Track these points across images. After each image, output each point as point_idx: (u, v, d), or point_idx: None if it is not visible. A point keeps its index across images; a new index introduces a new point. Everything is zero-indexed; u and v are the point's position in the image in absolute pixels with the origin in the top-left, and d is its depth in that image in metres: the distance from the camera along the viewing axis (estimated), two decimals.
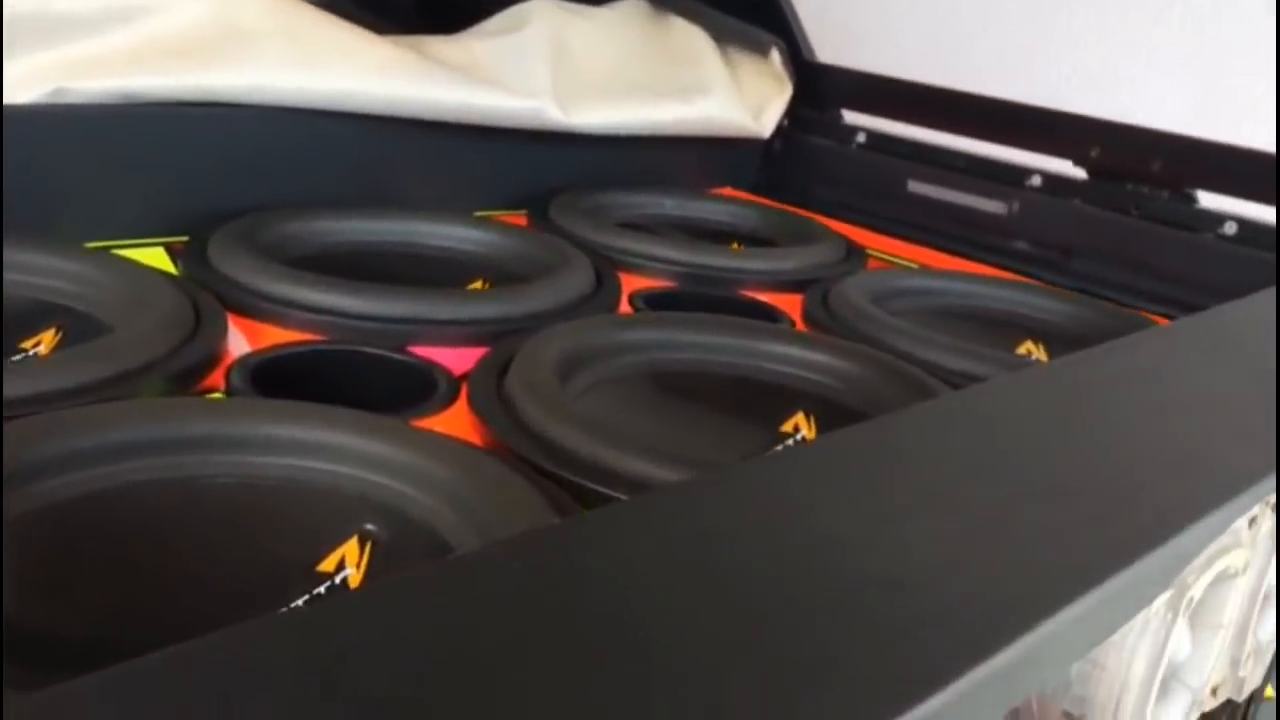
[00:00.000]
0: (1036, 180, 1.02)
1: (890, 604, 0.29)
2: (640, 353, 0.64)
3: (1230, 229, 0.92)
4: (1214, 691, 0.45)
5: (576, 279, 0.73)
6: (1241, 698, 0.48)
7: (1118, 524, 0.35)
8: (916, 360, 0.67)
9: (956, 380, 0.64)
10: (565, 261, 0.75)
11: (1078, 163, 1.00)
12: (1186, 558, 0.36)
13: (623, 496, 0.47)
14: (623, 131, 0.99)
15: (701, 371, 0.64)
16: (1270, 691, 0.54)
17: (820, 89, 1.16)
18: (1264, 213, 0.91)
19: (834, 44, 1.19)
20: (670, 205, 1.01)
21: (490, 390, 0.56)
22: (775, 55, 1.14)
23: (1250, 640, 0.46)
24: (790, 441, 0.60)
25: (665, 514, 0.31)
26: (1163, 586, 0.36)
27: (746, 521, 0.32)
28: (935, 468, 0.37)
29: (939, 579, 0.30)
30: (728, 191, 1.15)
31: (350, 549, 0.45)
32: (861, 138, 1.14)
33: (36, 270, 0.62)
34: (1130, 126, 0.96)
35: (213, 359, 0.56)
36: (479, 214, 0.92)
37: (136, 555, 0.42)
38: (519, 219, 0.93)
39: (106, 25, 0.72)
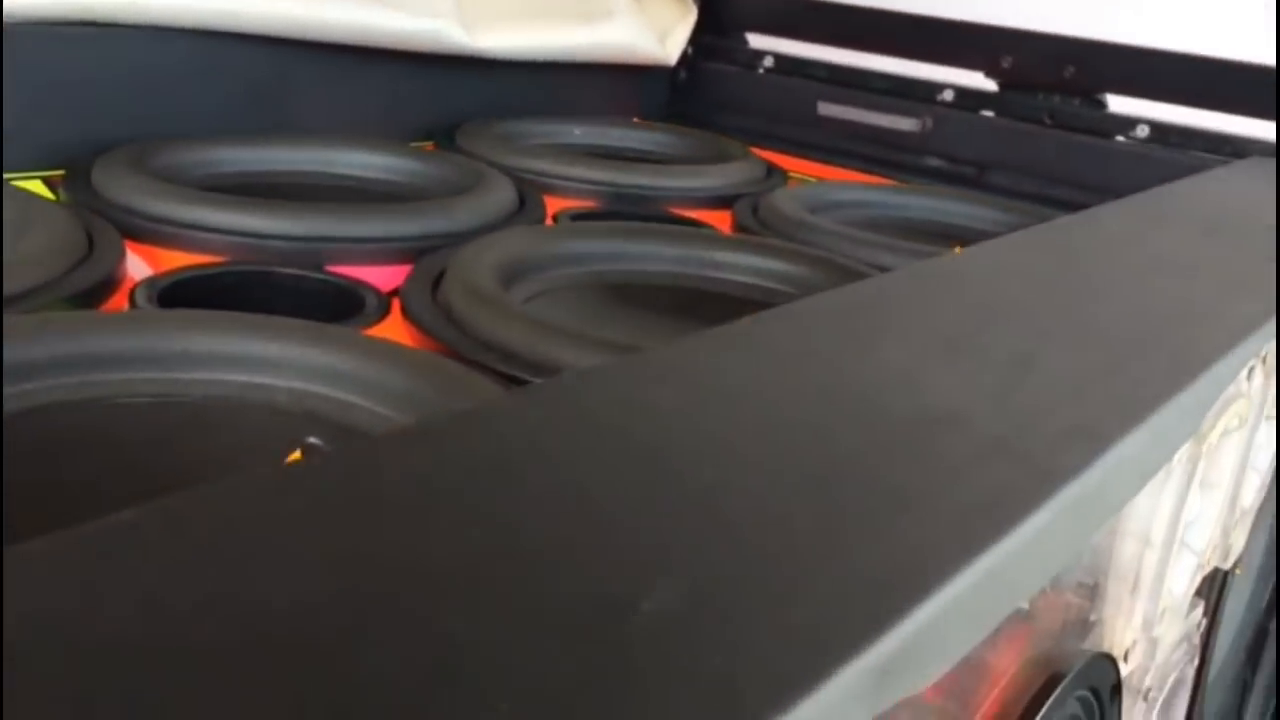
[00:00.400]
0: (948, 95, 1.01)
1: (948, 440, 0.26)
2: (580, 263, 0.60)
3: (1142, 132, 0.92)
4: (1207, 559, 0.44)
5: (500, 197, 0.69)
6: (1227, 565, 0.47)
7: (1142, 367, 0.33)
8: (862, 263, 0.64)
9: None
10: (485, 182, 0.70)
11: (989, 74, 1.00)
12: (1207, 403, 0.35)
13: None
14: (527, 56, 0.94)
15: (645, 281, 0.61)
16: (1240, 569, 0.54)
17: (724, 12, 1.13)
18: (1173, 114, 0.92)
19: None
20: (580, 133, 0.97)
21: (427, 300, 0.52)
22: None
23: (1237, 505, 0.45)
24: None
25: (693, 366, 0.28)
26: (1190, 432, 0.34)
27: (775, 371, 0.28)
28: (946, 319, 0.34)
29: (987, 416, 0.27)
30: (637, 123, 1.12)
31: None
32: (769, 61, 1.11)
33: None
34: (1041, 34, 0.96)
35: (112, 281, 0.51)
36: None
37: (49, 489, 0.37)
38: (426, 149, 0.88)
39: None
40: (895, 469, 0.23)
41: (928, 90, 1.02)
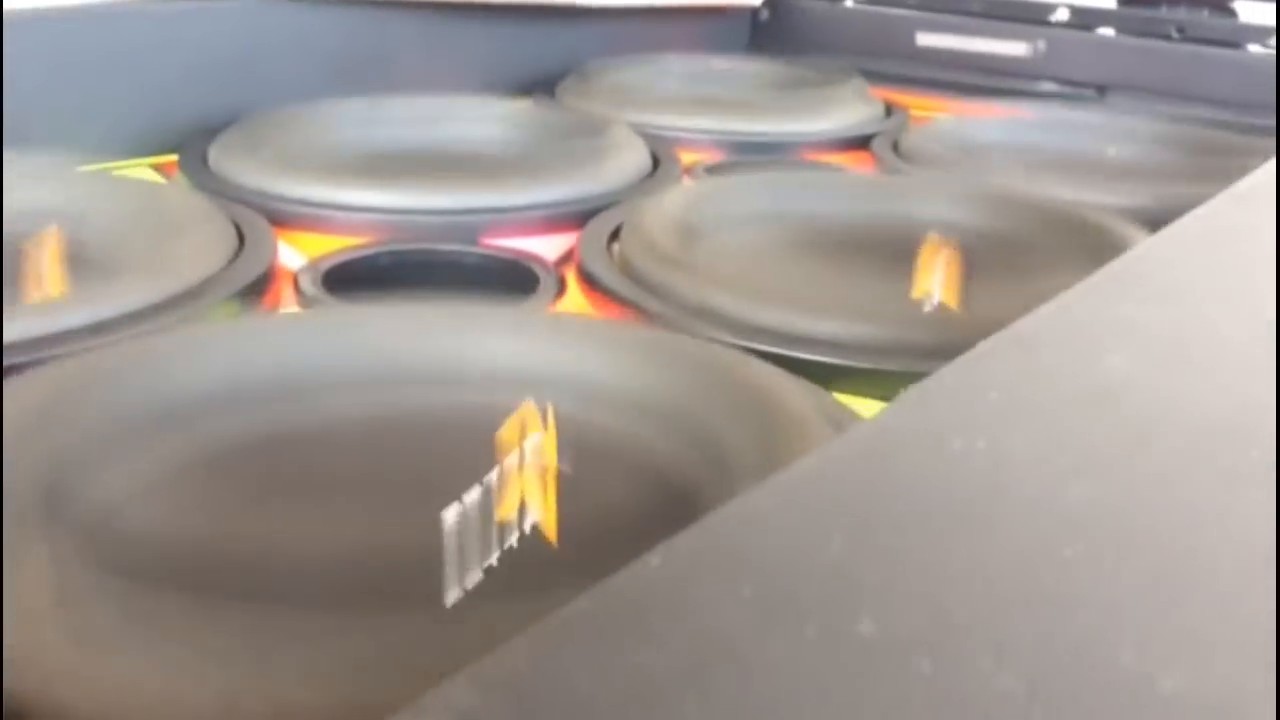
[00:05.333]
0: (1063, 14, 0.95)
1: None
2: (760, 215, 0.55)
3: None
4: None
5: (637, 156, 0.64)
6: None
7: None
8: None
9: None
10: (618, 140, 0.65)
11: None
12: None
13: (838, 362, 0.39)
14: (620, 4, 0.89)
15: (828, 227, 0.56)
16: None
17: None
18: None
19: None
20: (680, 74, 0.92)
21: (614, 272, 0.47)
22: None
23: None
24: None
25: (1110, 318, 0.23)
26: None
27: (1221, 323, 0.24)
28: None
29: None
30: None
31: (527, 485, 0.35)
32: None
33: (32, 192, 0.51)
34: None
35: (272, 269, 0.46)
36: None
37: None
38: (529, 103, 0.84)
39: None
40: None
41: (1038, 11, 0.97)
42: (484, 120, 0.70)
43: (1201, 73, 0.89)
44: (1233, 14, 0.89)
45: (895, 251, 0.54)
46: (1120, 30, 0.93)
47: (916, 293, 0.48)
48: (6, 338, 0.36)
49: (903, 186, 0.59)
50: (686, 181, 0.62)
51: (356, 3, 0.73)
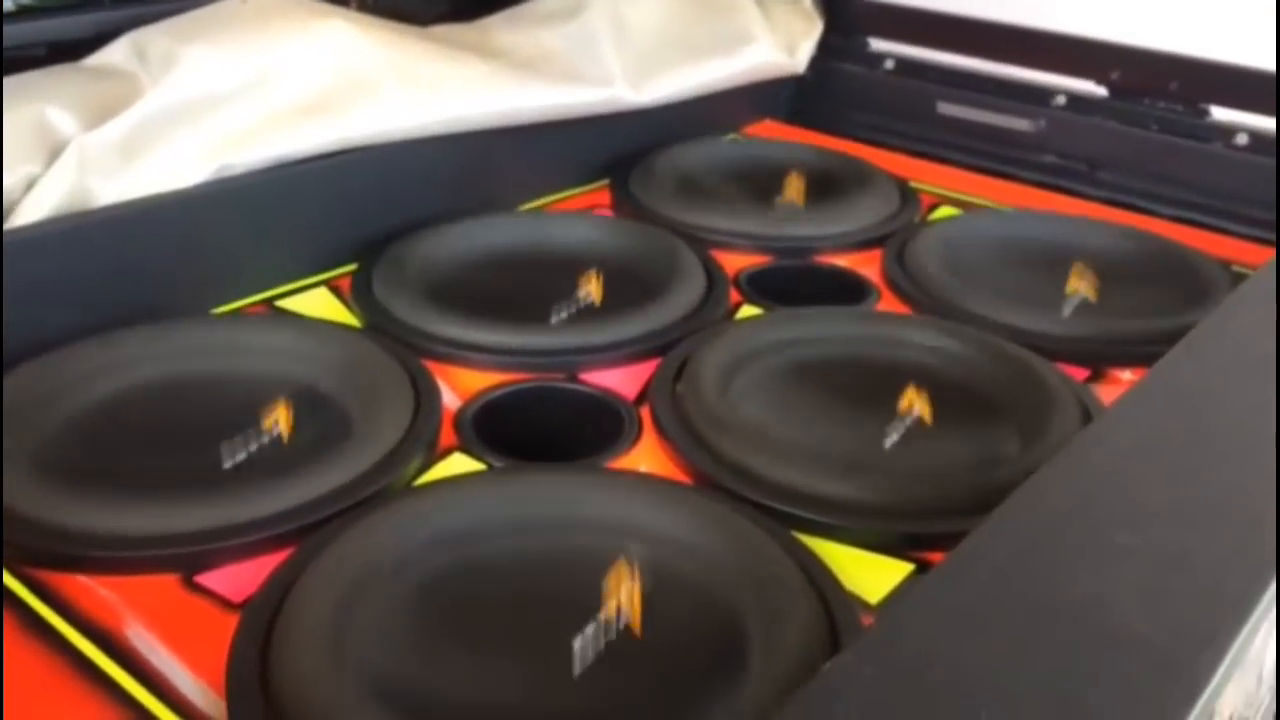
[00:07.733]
0: (1061, 99, 1.12)
1: None
2: (779, 352, 0.75)
3: (1241, 140, 1.03)
4: None
5: (695, 280, 0.83)
6: None
7: None
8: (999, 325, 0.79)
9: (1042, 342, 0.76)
10: (683, 264, 0.84)
11: (1099, 83, 1.10)
12: None
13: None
14: (682, 97, 1.07)
15: (831, 360, 0.76)
16: None
17: (848, 18, 1.23)
18: (1271, 124, 1.02)
19: None
20: (726, 152, 1.11)
21: (677, 425, 0.67)
22: None
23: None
24: (909, 420, 0.71)
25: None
26: None
27: None
28: None
29: None
30: (768, 124, 1.24)
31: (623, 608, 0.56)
32: (890, 64, 1.22)
33: (259, 348, 0.72)
34: (1148, 50, 1.05)
35: (441, 419, 0.67)
36: (569, 192, 1.04)
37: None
38: (603, 191, 1.03)
39: (251, 96, 0.79)
40: None
41: (1041, 94, 1.13)
42: (573, 237, 0.90)
43: (1174, 160, 1.06)
44: (1204, 114, 1.05)
45: (882, 388, 0.73)
46: (1108, 117, 1.09)
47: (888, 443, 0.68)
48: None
49: (894, 326, 0.78)
50: (730, 326, 0.79)
51: (464, 133, 0.91)
